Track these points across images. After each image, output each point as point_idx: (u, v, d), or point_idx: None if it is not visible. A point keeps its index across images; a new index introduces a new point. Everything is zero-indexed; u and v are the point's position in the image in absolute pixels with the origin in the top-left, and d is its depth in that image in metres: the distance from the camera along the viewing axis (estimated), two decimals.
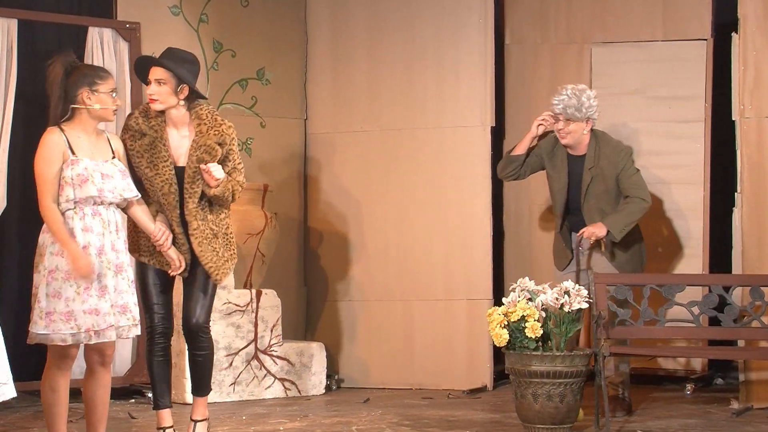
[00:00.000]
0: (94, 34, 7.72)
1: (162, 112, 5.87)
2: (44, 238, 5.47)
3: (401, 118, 8.46)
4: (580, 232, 7.11)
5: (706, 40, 8.26)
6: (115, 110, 5.60)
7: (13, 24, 7.35)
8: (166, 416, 5.99)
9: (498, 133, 8.60)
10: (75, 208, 5.43)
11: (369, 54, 8.57)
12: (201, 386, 6.06)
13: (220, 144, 5.85)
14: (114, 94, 5.57)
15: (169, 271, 5.87)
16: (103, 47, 7.76)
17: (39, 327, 5.36)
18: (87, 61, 7.64)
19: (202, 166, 5.80)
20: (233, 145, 5.94)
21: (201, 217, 5.87)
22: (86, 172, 5.43)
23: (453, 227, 8.34)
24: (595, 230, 7.06)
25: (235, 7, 8.54)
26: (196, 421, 6.02)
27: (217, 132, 5.86)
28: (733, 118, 7.56)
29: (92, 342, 5.44)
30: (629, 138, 8.39)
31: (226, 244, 5.97)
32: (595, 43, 8.50)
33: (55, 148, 5.42)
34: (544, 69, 8.64)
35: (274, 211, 8.29)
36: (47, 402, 5.48)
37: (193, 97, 5.90)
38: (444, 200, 8.36)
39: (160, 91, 5.82)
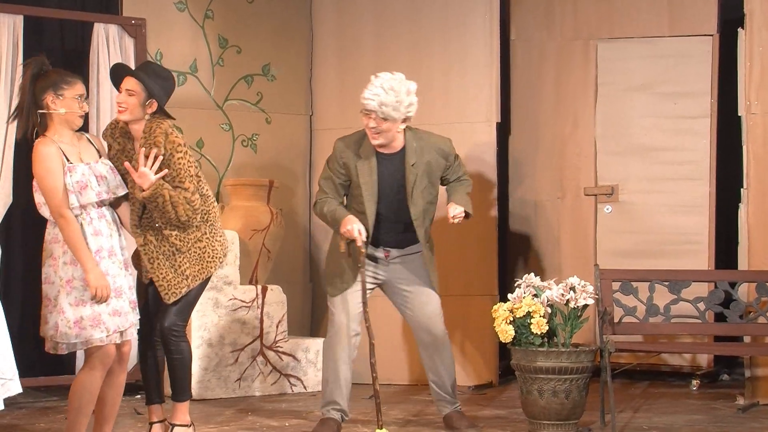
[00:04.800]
0: (99, 30, 7.72)
1: (127, 127, 5.76)
2: (53, 247, 5.46)
3: None
4: (454, 215, 6.36)
5: (712, 35, 8.25)
6: (81, 115, 5.52)
7: (19, 20, 7.35)
8: (155, 411, 6.01)
9: (503, 129, 8.60)
10: (82, 213, 5.44)
11: (374, 50, 8.57)
12: (176, 391, 5.94)
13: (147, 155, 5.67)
14: (82, 99, 5.49)
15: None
16: (109, 43, 7.76)
17: (70, 336, 5.38)
18: (92, 57, 7.65)
19: (126, 164, 5.68)
20: (173, 159, 5.67)
21: (153, 233, 5.75)
22: (84, 178, 5.43)
23: (458, 223, 8.31)
24: (460, 210, 6.40)
25: (240, 4, 8.54)
26: (173, 425, 5.98)
27: (149, 143, 5.67)
28: (739, 114, 7.54)
29: (120, 341, 5.49)
30: (636, 134, 8.39)
31: (196, 260, 5.82)
32: (601, 39, 8.49)
33: (55, 158, 5.39)
34: (549, 65, 8.64)
35: (279, 207, 8.29)
36: (80, 401, 5.49)
37: (160, 115, 5.77)
38: None
39: (128, 101, 5.71)
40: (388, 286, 6.54)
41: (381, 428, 6.06)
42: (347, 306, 6.37)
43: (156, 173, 5.64)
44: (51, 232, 5.48)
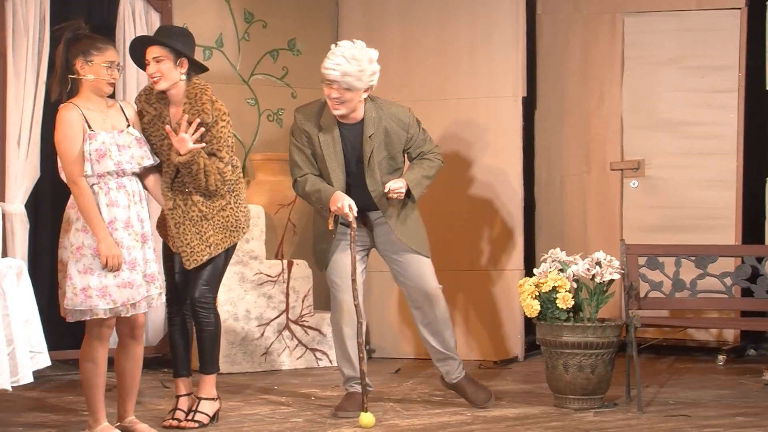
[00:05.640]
0: (126, 5, 7.73)
1: (163, 92, 5.77)
2: (69, 213, 5.48)
3: (433, 88, 8.44)
4: (390, 189, 6.19)
5: (740, 9, 8.18)
6: (111, 83, 5.51)
7: None
8: (181, 384, 6.02)
9: (529, 104, 8.57)
10: (99, 182, 5.43)
11: (401, 25, 8.55)
12: (203, 363, 5.96)
13: (201, 121, 5.69)
14: (113, 67, 5.48)
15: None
16: (135, 18, 7.77)
17: (75, 303, 5.38)
18: (119, 32, 7.66)
19: (167, 127, 5.69)
20: (216, 127, 5.73)
21: (182, 198, 5.78)
22: (103, 147, 5.42)
23: (484, 198, 8.32)
24: (401, 186, 6.22)
25: None
26: (200, 398, 6.01)
27: (197, 110, 5.72)
28: (767, 89, 7.49)
29: (129, 314, 5.47)
30: (662, 108, 8.35)
31: (220, 228, 5.84)
32: (627, 13, 8.44)
33: (75, 125, 5.41)
34: (576, 39, 8.60)
35: None
36: (87, 374, 5.51)
37: (192, 72, 5.80)
38: (475, 171, 8.34)
39: (161, 68, 5.72)
40: (382, 255, 6.44)
41: (366, 411, 5.97)
42: (345, 280, 6.30)
43: (195, 142, 5.66)
44: (71, 198, 5.49)
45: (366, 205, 6.28)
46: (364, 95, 6.17)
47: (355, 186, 6.26)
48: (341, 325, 6.32)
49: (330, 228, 6.23)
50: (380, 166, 6.26)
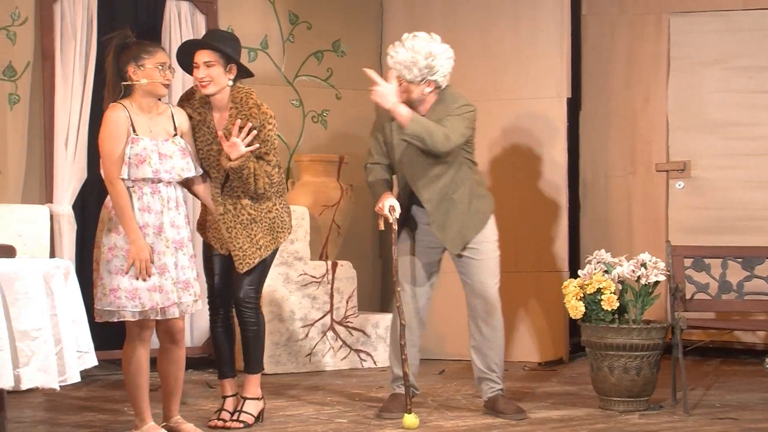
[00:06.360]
0: (171, 7, 7.78)
1: (206, 97, 5.78)
2: (104, 213, 5.51)
3: (477, 89, 8.41)
4: (377, 93, 6.00)
5: None
6: (166, 84, 5.53)
7: None
8: (227, 385, 6.04)
9: (574, 105, 8.55)
10: (134, 186, 5.45)
11: (445, 25, 8.54)
12: (248, 363, 5.98)
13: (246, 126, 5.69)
14: (165, 68, 5.49)
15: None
16: (181, 20, 7.82)
17: (104, 303, 5.41)
18: (164, 34, 7.72)
19: (220, 133, 5.69)
20: (263, 131, 5.73)
21: (231, 202, 5.79)
22: (144, 152, 5.43)
23: (529, 199, 8.30)
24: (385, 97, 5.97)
25: None
26: (245, 398, 6.02)
27: (245, 115, 5.72)
28: None
29: (158, 318, 5.50)
30: (708, 109, 8.30)
31: (267, 230, 5.86)
32: (673, 13, 8.40)
33: (120, 125, 5.43)
34: (621, 40, 8.57)
35: (349, 182, 8.31)
36: (129, 376, 5.55)
37: (237, 77, 5.80)
38: (520, 172, 8.33)
39: (211, 72, 5.71)
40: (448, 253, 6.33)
41: (409, 413, 5.96)
42: (405, 283, 6.25)
43: (246, 146, 5.67)
44: (107, 199, 5.52)
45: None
46: (428, 89, 6.07)
47: (415, 184, 6.18)
48: (397, 324, 6.30)
49: (380, 229, 6.23)
50: (432, 164, 6.14)
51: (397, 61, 6.02)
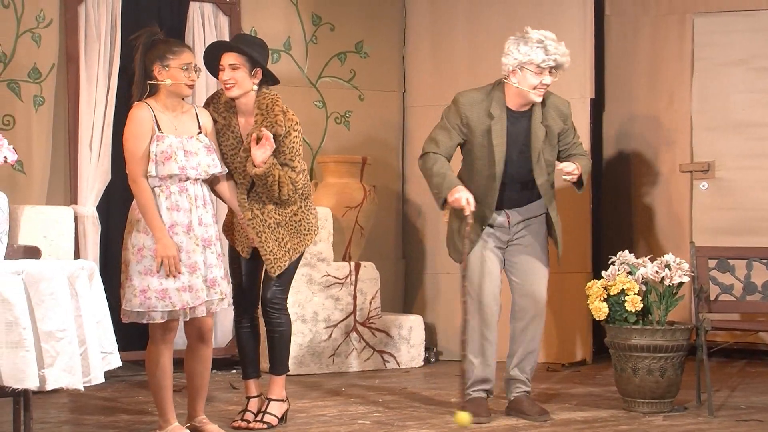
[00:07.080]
0: (195, 8, 7.81)
1: (231, 100, 5.79)
2: (132, 215, 5.53)
3: None
4: (569, 171, 6.09)
5: None
6: (191, 85, 5.53)
7: None
8: (251, 386, 6.05)
9: (598, 106, 8.53)
10: (161, 185, 5.46)
11: (468, 26, 8.54)
12: (273, 364, 5.99)
13: (273, 133, 5.70)
14: (190, 69, 5.50)
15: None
16: (204, 22, 7.84)
17: (134, 305, 5.42)
18: (188, 36, 7.74)
19: (252, 138, 5.69)
20: (289, 138, 5.75)
21: (258, 207, 5.80)
22: (170, 149, 5.44)
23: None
24: (574, 168, 6.11)
25: None
26: (269, 399, 6.03)
27: (270, 122, 5.72)
28: None
29: (187, 318, 5.51)
30: (732, 109, 8.26)
31: (294, 233, 5.87)
32: (697, 13, 8.37)
33: (144, 124, 5.45)
34: (644, 40, 8.55)
35: (372, 183, 8.32)
36: (153, 377, 5.56)
37: (263, 83, 5.81)
38: None
39: (236, 75, 5.72)
40: (506, 251, 6.30)
41: (464, 410, 5.92)
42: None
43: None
44: (134, 201, 5.53)
45: (515, 201, 6.20)
46: (514, 81, 6.07)
47: (510, 177, 6.15)
48: (473, 323, 6.24)
49: (444, 221, 6.21)
50: (544, 154, 6.15)
51: (564, 53, 6.09)
